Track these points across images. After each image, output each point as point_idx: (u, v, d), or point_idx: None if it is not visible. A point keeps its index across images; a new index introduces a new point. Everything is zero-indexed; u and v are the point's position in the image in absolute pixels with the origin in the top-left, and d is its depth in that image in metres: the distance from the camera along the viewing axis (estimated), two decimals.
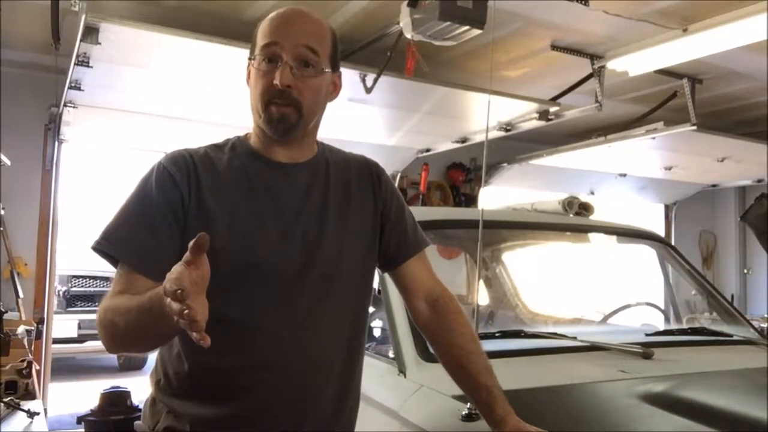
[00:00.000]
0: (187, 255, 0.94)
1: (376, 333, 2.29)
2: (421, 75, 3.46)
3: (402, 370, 1.80)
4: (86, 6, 2.61)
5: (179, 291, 0.89)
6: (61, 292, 6.59)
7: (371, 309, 1.58)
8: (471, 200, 5.96)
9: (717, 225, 7.44)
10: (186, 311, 0.89)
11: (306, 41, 1.26)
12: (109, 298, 1.17)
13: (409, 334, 1.83)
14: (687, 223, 7.18)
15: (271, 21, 1.29)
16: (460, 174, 5.93)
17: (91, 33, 2.73)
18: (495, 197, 5.76)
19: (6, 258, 4.16)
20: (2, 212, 3.99)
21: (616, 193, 6.47)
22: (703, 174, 6.12)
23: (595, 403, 1.61)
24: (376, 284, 1.55)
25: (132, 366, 7.45)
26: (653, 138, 4.52)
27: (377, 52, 3.38)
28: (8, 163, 3.75)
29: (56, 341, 5.05)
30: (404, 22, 2.76)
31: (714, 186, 6.63)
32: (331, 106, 1.39)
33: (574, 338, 2.04)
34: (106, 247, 1.22)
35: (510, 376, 1.38)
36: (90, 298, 6.78)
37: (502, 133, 4.42)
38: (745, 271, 7.23)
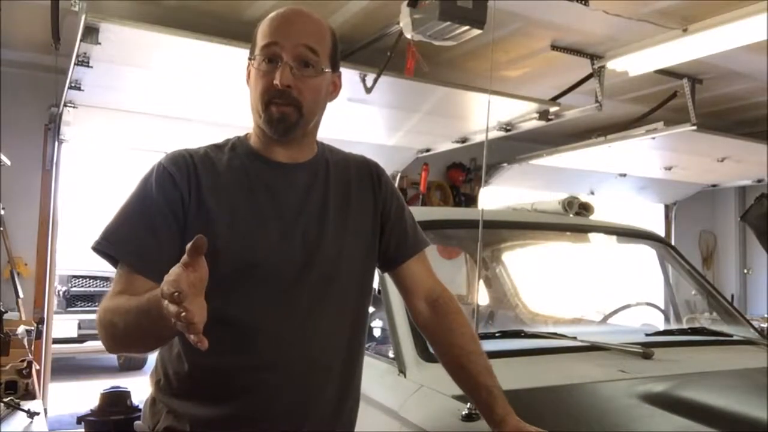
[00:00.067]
0: (185, 257, 0.94)
1: (376, 333, 2.29)
2: (421, 75, 3.46)
3: (402, 370, 1.80)
4: (86, 6, 2.61)
5: (176, 293, 0.89)
6: (61, 292, 6.59)
7: (371, 309, 1.58)
8: (471, 200, 5.96)
9: (717, 225, 7.44)
10: (183, 314, 0.89)
11: (306, 41, 1.26)
12: (108, 299, 1.17)
13: (409, 334, 1.83)
14: (687, 223, 7.19)
15: (270, 21, 1.29)
16: (460, 174, 5.93)
17: (91, 33, 2.73)
18: (495, 197, 5.76)
19: (6, 258, 4.16)
20: (2, 212, 3.99)
21: (616, 193, 6.47)
22: (703, 174, 6.12)
23: (595, 403, 1.61)
24: (376, 284, 1.55)
25: (132, 366, 7.45)
26: (653, 138, 4.52)
27: (377, 52, 3.38)
28: (8, 163, 3.75)
29: (56, 341, 5.05)
30: (404, 22, 2.76)
31: (714, 186, 6.63)
32: (331, 106, 1.39)
33: (574, 338, 2.04)
34: (106, 247, 1.22)
35: (510, 376, 1.38)
36: (90, 298, 6.78)
37: (502, 133, 4.42)
38: (745, 271, 7.23)
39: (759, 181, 6.17)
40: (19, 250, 4.26)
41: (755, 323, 2.76)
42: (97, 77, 3.27)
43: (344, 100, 3.37)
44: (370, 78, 3.42)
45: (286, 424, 1.26)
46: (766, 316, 5.76)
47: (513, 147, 5.44)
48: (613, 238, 2.76)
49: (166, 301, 0.91)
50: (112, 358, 7.48)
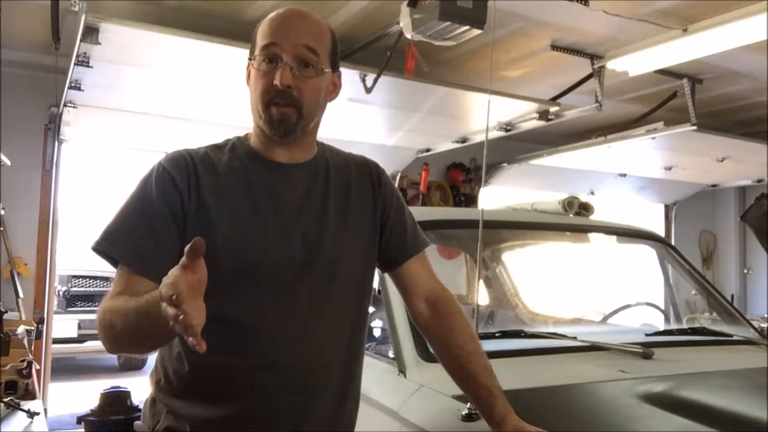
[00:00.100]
0: (183, 259, 0.94)
1: (376, 333, 2.28)
2: (421, 75, 3.46)
3: (402, 370, 1.80)
4: (86, 6, 2.61)
5: (174, 296, 0.89)
6: (61, 292, 6.59)
7: (371, 309, 1.58)
8: (471, 200, 5.96)
9: (717, 225, 7.44)
10: (181, 317, 0.89)
11: (305, 41, 1.27)
12: (108, 299, 1.17)
13: (409, 334, 1.83)
14: (687, 223, 7.19)
15: (270, 21, 1.29)
16: (460, 174, 5.93)
17: (91, 33, 2.73)
18: (495, 197, 5.76)
19: (6, 258, 4.16)
20: (2, 212, 4.00)
21: (616, 193, 6.47)
22: (703, 174, 6.12)
23: (595, 403, 1.61)
24: (376, 284, 1.55)
25: (132, 366, 7.45)
26: (653, 138, 4.52)
27: (377, 52, 3.38)
28: (8, 163, 3.75)
29: (56, 341, 5.05)
30: (404, 22, 2.76)
31: (714, 186, 6.63)
32: (331, 106, 1.39)
33: (574, 338, 2.04)
34: (105, 247, 1.22)
35: (510, 376, 1.38)
36: (90, 298, 6.78)
37: (502, 133, 4.42)
38: (745, 271, 7.23)
39: (759, 181, 6.17)
40: (19, 250, 4.26)
41: (755, 323, 2.76)
42: (97, 77, 3.27)
43: (344, 100, 3.37)
44: (370, 78, 3.42)
45: (286, 424, 1.26)
46: (766, 316, 5.76)
47: (513, 147, 5.44)
48: (613, 238, 2.76)
49: (164, 304, 0.91)
50: (112, 358, 7.47)
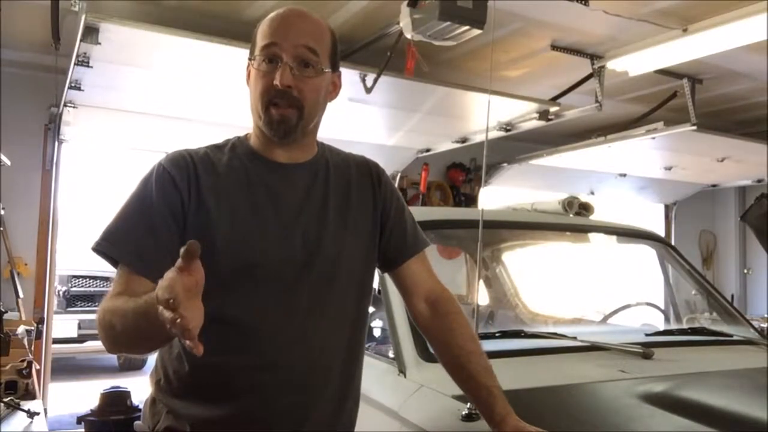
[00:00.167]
0: (179, 261, 0.93)
1: (376, 333, 2.28)
2: (421, 75, 3.46)
3: (402, 370, 1.80)
4: (86, 6, 2.61)
5: (171, 300, 0.88)
6: (61, 292, 6.59)
7: (371, 309, 1.58)
8: (471, 200, 5.96)
9: (717, 225, 7.44)
10: (178, 320, 0.88)
11: (305, 41, 1.27)
12: (108, 299, 1.17)
13: (409, 334, 1.83)
14: (687, 223, 7.19)
15: (270, 22, 1.29)
16: (460, 174, 5.93)
17: (91, 33, 2.73)
18: (495, 197, 5.76)
19: (6, 258, 4.16)
20: (2, 212, 4.00)
21: (616, 193, 6.47)
22: (703, 174, 6.12)
23: (595, 403, 1.61)
24: (376, 284, 1.55)
25: (132, 366, 7.45)
26: (653, 138, 4.52)
27: (377, 52, 3.38)
28: (8, 163, 3.75)
29: (56, 341, 5.05)
30: (404, 22, 2.76)
31: (714, 186, 6.63)
32: (331, 106, 1.39)
33: (574, 338, 2.04)
34: (105, 248, 1.22)
35: (510, 376, 1.38)
36: (90, 298, 6.78)
37: (502, 133, 4.42)
38: (745, 271, 7.23)
39: (759, 181, 6.17)
40: (19, 250, 4.26)
41: (755, 323, 2.76)
42: (97, 77, 3.27)
43: (344, 100, 3.37)
44: (370, 78, 3.42)
45: (286, 424, 1.26)
46: (766, 316, 5.76)
47: (513, 147, 5.44)
48: (613, 238, 2.76)
49: (161, 307, 0.90)
50: (112, 358, 7.47)
